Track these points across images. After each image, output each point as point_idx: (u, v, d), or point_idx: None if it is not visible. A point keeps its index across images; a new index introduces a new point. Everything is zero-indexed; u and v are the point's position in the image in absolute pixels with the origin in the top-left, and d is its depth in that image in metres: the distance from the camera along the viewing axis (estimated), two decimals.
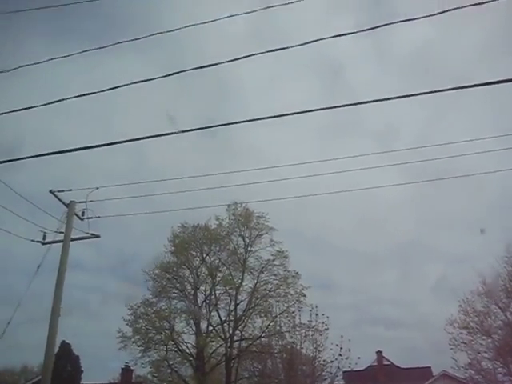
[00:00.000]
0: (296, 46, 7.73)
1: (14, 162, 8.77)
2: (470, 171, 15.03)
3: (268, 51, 7.79)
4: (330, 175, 13.74)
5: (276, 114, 7.98)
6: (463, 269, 29.63)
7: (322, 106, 7.90)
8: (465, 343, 28.59)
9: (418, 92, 7.51)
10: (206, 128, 8.40)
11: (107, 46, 8.90)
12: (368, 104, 7.74)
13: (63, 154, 8.51)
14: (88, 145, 8.50)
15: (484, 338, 28.59)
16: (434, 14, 7.33)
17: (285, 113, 7.95)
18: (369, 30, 7.65)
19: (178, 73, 8.13)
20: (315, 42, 7.66)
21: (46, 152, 8.73)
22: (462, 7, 7.22)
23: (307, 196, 16.95)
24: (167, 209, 20.62)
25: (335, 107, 7.81)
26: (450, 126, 33.97)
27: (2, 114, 8.82)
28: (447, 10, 7.27)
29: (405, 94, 7.56)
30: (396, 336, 34.14)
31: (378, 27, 7.57)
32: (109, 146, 8.38)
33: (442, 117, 34.68)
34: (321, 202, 28.04)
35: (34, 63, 9.04)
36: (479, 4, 7.13)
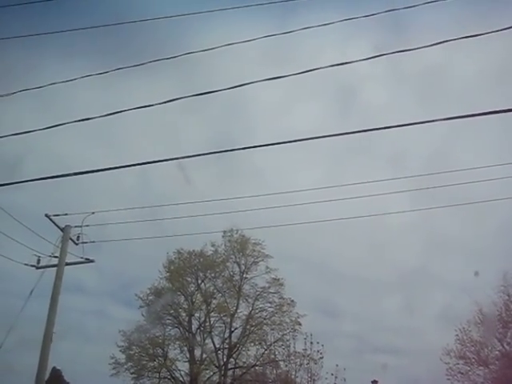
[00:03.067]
0: (307, 71, 7.70)
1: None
2: (480, 197, 15.11)
3: (269, 78, 7.85)
4: (338, 200, 13.91)
5: (285, 140, 7.90)
6: (469, 297, 29.22)
7: (334, 132, 7.75)
8: (462, 373, 28.26)
9: (433, 119, 7.39)
10: (209, 154, 8.38)
11: (107, 72, 9.09)
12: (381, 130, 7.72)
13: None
14: (89, 169, 8.54)
15: (481, 368, 28.27)
16: (441, 42, 7.40)
17: (294, 139, 7.84)
18: (379, 56, 7.71)
19: (179, 98, 8.23)
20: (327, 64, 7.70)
21: (45, 176, 8.77)
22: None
23: (313, 222, 17.02)
24: (170, 233, 20.72)
25: (347, 133, 7.69)
26: (463, 151, 34.01)
27: (2, 137, 8.93)
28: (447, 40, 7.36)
29: (418, 121, 7.47)
30: (398, 364, 33.54)
31: (385, 54, 7.64)
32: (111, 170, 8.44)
33: (457, 141, 34.77)
34: (329, 228, 27.94)
35: (35, 88, 9.20)
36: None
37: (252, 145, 8.15)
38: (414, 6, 7.67)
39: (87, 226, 16.85)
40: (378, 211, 17.14)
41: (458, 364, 28.37)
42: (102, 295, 40.99)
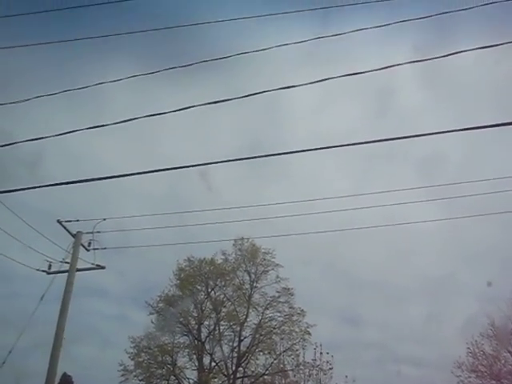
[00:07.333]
0: (342, 76, 7.62)
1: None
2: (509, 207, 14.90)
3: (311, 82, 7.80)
4: (365, 207, 13.95)
5: (319, 147, 7.96)
6: (491, 308, 28.61)
7: (367, 139, 7.82)
8: None
9: (470, 126, 7.34)
10: (237, 160, 8.36)
11: (117, 81, 9.17)
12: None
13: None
14: (109, 175, 8.58)
15: (493, 382, 27.84)
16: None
17: (328, 145, 7.90)
18: (417, 61, 7.66)
19: (192, 107, 8.25)
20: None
21: (62, 182, 8.80)
22: None
23: (338, 231, 17.01)
24: (192, 239, 20.74)
25: (380, 141, 7.73)
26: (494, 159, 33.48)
27: (18, 142, 9.05)
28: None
29: (452, 129, 7.42)
30: (417, 375, 32.95)
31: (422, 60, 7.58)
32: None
33: (488, 149, 34.24)
34: (355, 234, 27.78)
35: (48, 94, 9.34)
36: None
37: (281, 151, 8.14)
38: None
39: (98, 232, 16.98)
40: (404, 218, 16.96)
41: (470, 378, 28.02)
42: (122, 300, 40.83)
